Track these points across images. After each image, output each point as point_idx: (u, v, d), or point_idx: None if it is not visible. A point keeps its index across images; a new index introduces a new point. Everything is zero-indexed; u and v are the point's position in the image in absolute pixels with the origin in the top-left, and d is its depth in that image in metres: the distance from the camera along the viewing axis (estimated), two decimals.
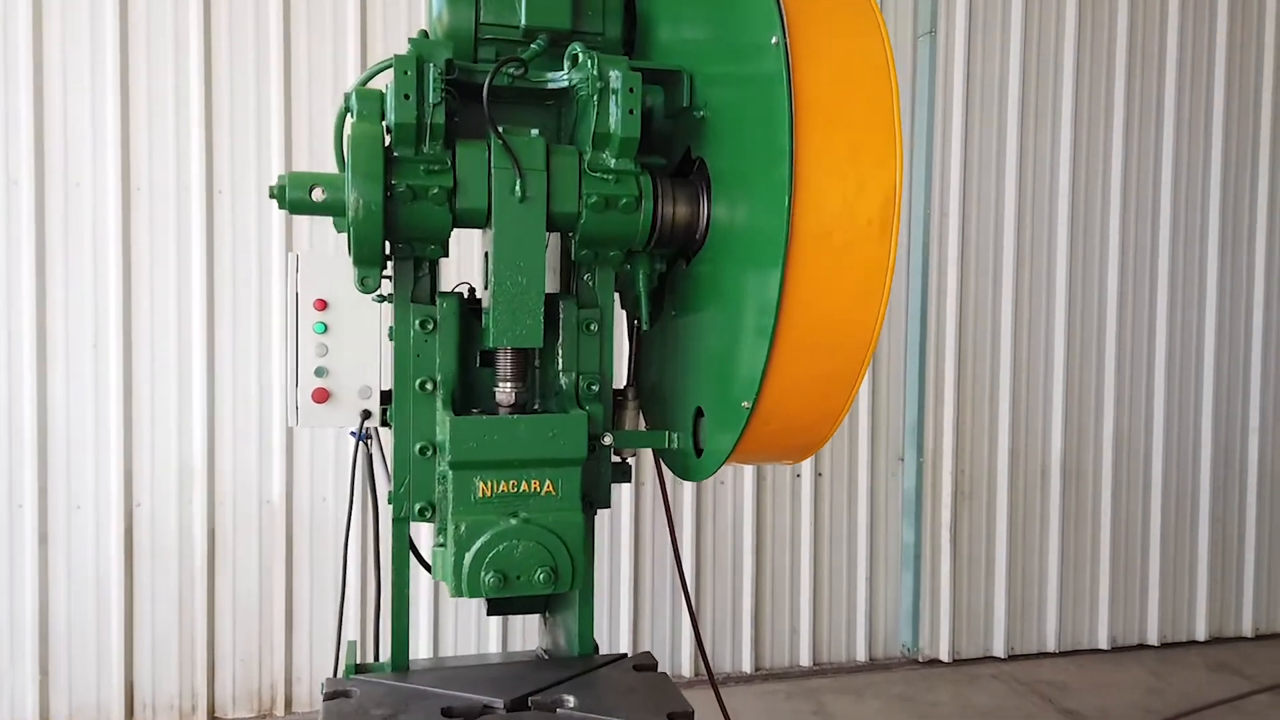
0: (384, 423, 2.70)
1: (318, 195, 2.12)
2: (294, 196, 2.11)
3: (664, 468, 2.86)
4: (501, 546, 2.10)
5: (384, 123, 2.14)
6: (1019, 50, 5.77)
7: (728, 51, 2.17)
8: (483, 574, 2.09)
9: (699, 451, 2.29)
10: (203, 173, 4.84)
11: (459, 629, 5.23)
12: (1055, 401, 5.89)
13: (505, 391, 2.28)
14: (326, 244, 4.93)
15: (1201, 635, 6.11)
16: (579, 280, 2.42)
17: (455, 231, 2.21)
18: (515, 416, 2.18)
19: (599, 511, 2.51)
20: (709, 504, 5.52)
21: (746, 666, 5.56)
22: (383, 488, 2.96)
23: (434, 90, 2.09)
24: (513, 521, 2.12)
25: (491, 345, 2.19)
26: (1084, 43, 5.88)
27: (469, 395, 2.39)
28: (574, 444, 2.17)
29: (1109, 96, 5.93)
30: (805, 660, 5.64)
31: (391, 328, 2.31)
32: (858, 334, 1.90)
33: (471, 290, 2.84)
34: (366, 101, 2.14)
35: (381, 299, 2.36)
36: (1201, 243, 6.10)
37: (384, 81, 2.18)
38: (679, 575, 3.19)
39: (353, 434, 3.04)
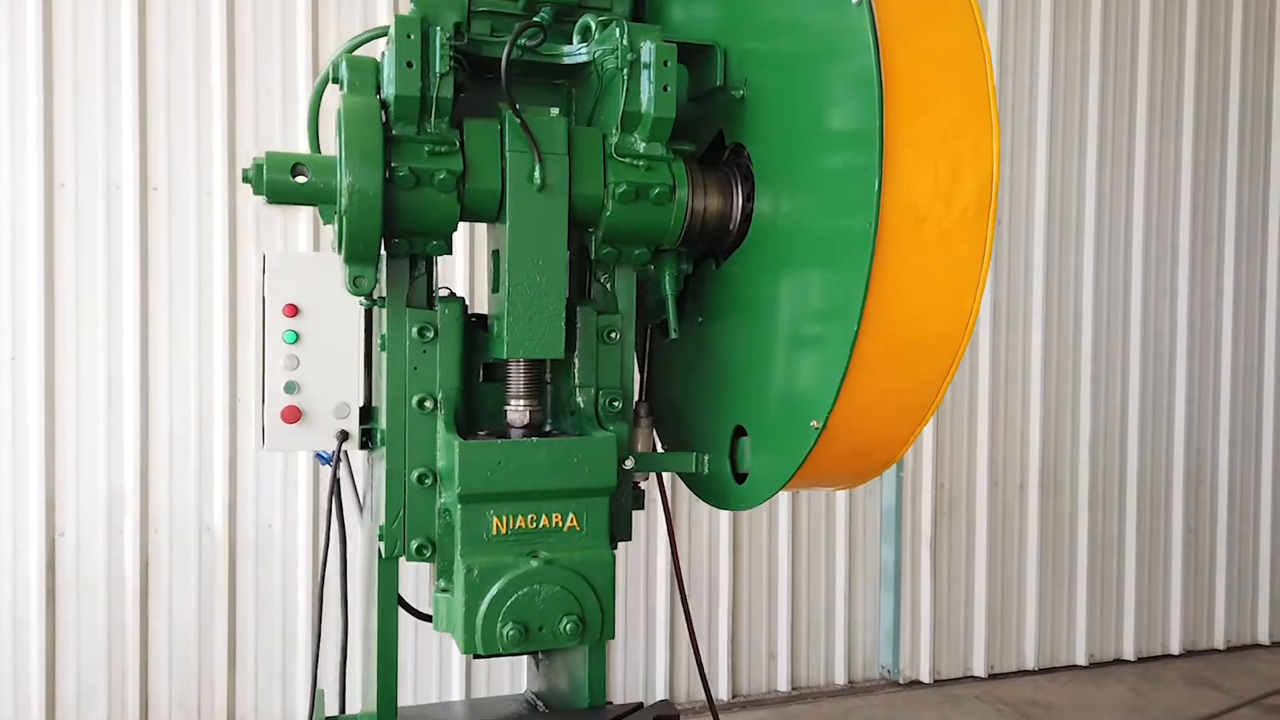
0: (364, 444, 2.38)
1: (302, 179, 1.80)
2: (273, 180, 1.79)
3: (664, 489, 2.60)
4: (521, 593, 1.80)
5: (379, 97, 1.83)
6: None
7: (774, 25, 1.91)
8: (500, 626, 1.79)
9: (739, 476, 2.02)
10: (136, 168, 4.41)
11: (434, 669, 4.86)
12: (1033, 415, 5.77)
13: (518, 410, 1.98)
14: (277, 240, 4.54)
15: (1176, 649, 6.05)
16: (594, 282, 2.13)
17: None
18: (534, 440, 1.88)
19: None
20: (684, 523, 5.25)
21: (723, 694, 5.29)
22: (351, 516, 2.62)
23: (441, 58, 1.79)
24: (533, 563, 1.81)
25: (506, 356, 1.89)
26: (1054, 55, 5.81)
27: (471, 415, 2.08)
28: (603, 471, 1.88)
29: (1083, 117, 5.85)
30: (784, 685, 5.40)
31: (383, 336, 1.99)
32: (946, 340, 1.66)
33: (453, 294, 2.54)
34: (360, 71, 1.84)
35: (371, 303, 2.04)
36: (1173, 260, 6.05)
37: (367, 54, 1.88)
38: (682, 603, 2.91)
39: (319, 457, 2.70)
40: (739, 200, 2.02)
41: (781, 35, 1.86)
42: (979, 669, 5.65)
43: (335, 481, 2.34)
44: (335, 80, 1.88)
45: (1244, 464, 6.26)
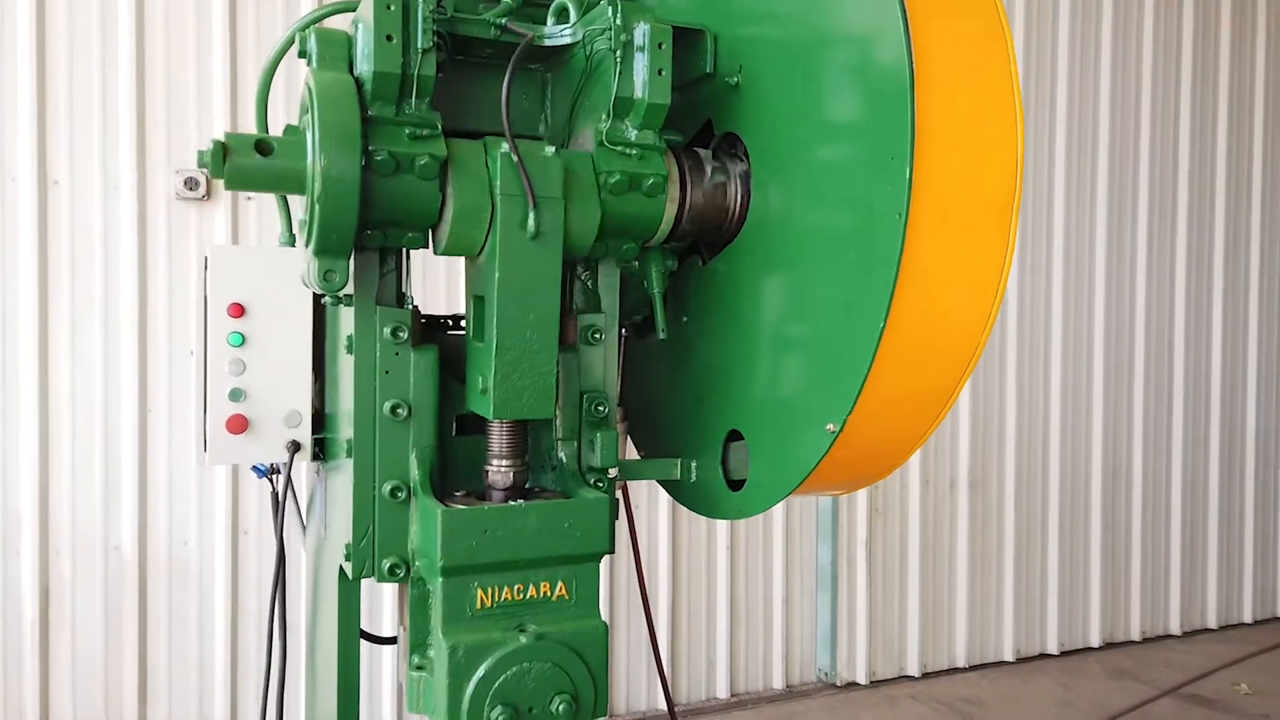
0: (316, 455, 2.20)
1: (267, 156, 1.62)
2: (235, 163, 1.60)
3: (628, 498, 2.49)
4: (510, 673, 1.65)
5: (353, 74, 1.67)
6: None
7: (776, 12, 1.82)
8: (488, 709, 1.64)
9: (735, 484, 1.92)
10: (33, 159, 4.06)
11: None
12: (962, 413, 5.86)
13: (501, 471, 1.83)
14: (190, 238, 4.24)
15: (1096, 642, 6.23)
16: (575, 281, 2.00)
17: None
18: (522, 504, 1.73)
19: None
20: (622, 530, 5.12)
21: (662, 704, 5.18)
22: (292, 533, 2.43)
23: (424, 33, 1.64)
24: (522, 638, 1.67)
25: (493, 417, 1.73)
26: None
27: (444, 471, 1.90)
28: (595, 535, 1.75)
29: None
30: (723, 692, 5.33)
31: (350, 337, 1.82)
32: (966, 337, 1.59)
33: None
34: (331, 45, 1.67)
35: (337, 301, 1.87)
36: (1090, 261, 6.24)
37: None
38: (645, 611, 2.81)
39: (256, 470, 2.50)
40: (732, 193, 1.92)
41: (787, 21, 1.77)
42: (913, 669, 5.70)
43: (284, 498, 2.15)
44: (303, 54, 1.71)
45: (1155, 460, 6.50)
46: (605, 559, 1.89)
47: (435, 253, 1.75)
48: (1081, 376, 6.24)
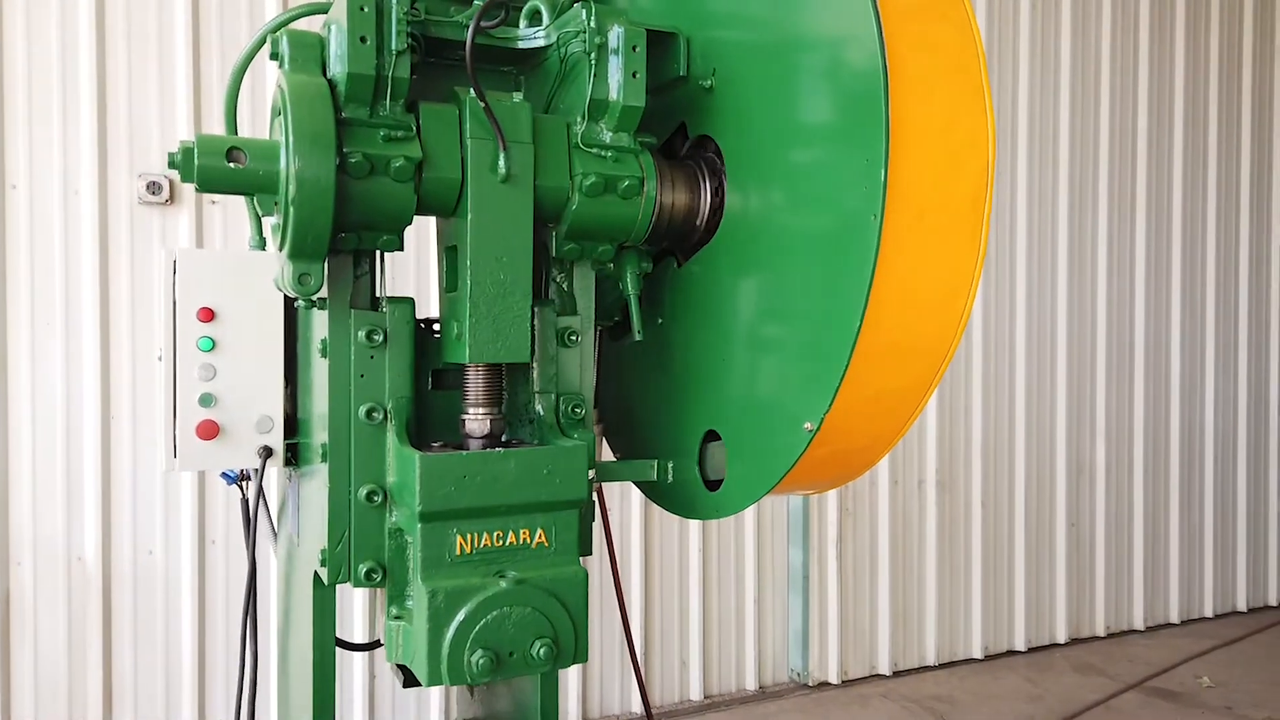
0: (289, 460, 2.17)
1: (237, 165, 1.60)
2: (206, 165, 1.59)
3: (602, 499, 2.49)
4: (490, 617, 1.65)
5: (326, 76, 1.66)
6: None
7: (750, 13, 1.83)
8: (468, 654, 1.64)
9: (712, 484, 1.93)
10: None
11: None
12: (929, 415, 5.93)
13: (478, 419, 1.83)
14: (154, 243, 4.18)
15: (1062, 638, 6.32)
16: (550, 281, 2.00)
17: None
18: (500, 450, 1.73)
19: None
20: (597, 532, 5.11)
21: (636, 707, 5.19)
22: (264, 540, 2.40)
23: (398, 35, 1.63)
24: (502, 583, 1.67)
25: (469, 360, 1.74)
26: None
27: (420, 426, 1.91)
28: (574, 482, 1.75)
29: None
30: (696, 694, 5.34)
31: (324, 341, 1.80)
32: (940, 336, 1.61)
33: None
34: (303, 47, 1.66)
35: (310, 304, 1.85)
36: (1052, 263, 6.34)
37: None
38: (621, 612, 2.81)
39: (225, 477, 2.47)
40: (707, 195, 1.93)
41: (760, 24, 1.78)
42: (884, 667, 5.75)
43: (258, 504, 2.12)
44: (274, 57, 1.69)
45: (1119, 456, 6.61)
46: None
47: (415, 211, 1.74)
48: (1046, 378, 6.33)
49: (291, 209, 1.55)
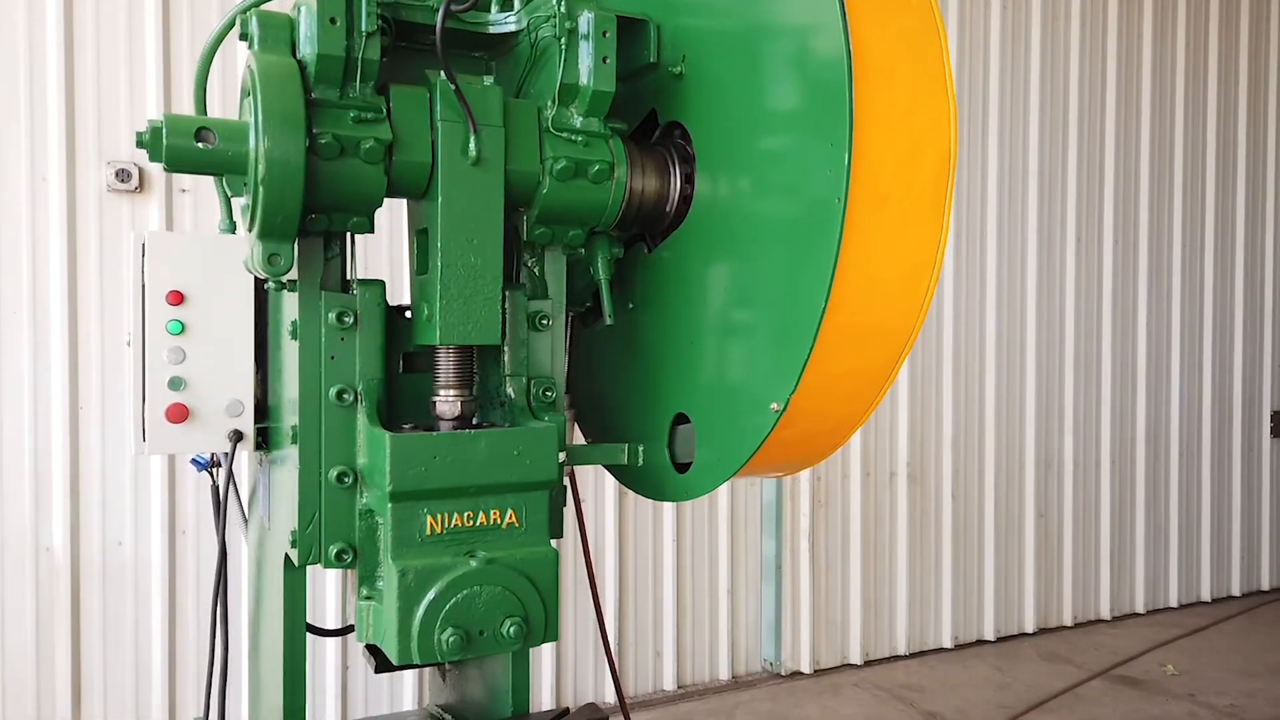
0: (260, 445, 2.17)
1: (207, 145, 1.60)
2: (175, 145, 1.59)
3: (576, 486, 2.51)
4: (461, 595, 1.67)
5: (295, 57, 1.66)
6: None
7: (718, 1, 1.85)
8: (439, 633, 1.65)
9: (680, 466, 1.95)
10: None
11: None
12: (901, 405, 5.99)
13: (449, 401, 1.84)
14: (124, 229, 4.14)
15: (1030, 627, 6.41)
16: (522, 266, 2.01)
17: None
18: (471, 431, 1.75)
19: None
20: (568, 523, 5.13)
21: (610, 695, 5.21)
22: (234, 525, 2.40)
23: (368, 16, 1.64)
24: (472, 563, 1.69)
25: (440, 342, 1.75)
26: None
27: (390, 408, 1.92)
28: (544, 463, 1.77)
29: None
30: (670, 684, 5.37)
31: (294, 323, 1.81)
32: (904, 319, 1.64)
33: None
34: (273, 27, 1.66)
35: (280, 286, 1.85)
36: (1022, 255, 6.42)
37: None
38: (594, 601, 2.83)
39: (195, 463, 2.47)
40: (677, 181, 1.95)
41: (729, 12, 1.80)
42: (855, 657, 5.81)
43: (228, 489, 2.12)
44: (244, 37, 1.69)
45: (1086, 448, 6.71)
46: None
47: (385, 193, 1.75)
48: (1015, 372, 6.42)
49: (261, 189, 1.55)
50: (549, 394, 1.94)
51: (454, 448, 1.70)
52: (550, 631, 1.75)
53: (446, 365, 1.83)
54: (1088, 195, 6.68)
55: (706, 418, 1.86)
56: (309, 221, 1.71)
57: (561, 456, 1.95)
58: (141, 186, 4.18)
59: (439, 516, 1.70)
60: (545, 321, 1.95)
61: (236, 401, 2.11)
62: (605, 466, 2.16)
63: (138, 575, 4.24)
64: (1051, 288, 6.53)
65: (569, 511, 2.36)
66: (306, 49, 1.64)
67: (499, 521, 1.74)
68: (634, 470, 2.08)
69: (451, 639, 1.64)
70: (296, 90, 1.57)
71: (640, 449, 2.06)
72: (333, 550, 1.77)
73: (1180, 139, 7.08)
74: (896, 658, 5.94)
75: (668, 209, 1.97)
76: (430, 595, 1.64)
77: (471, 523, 1.72)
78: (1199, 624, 6.69)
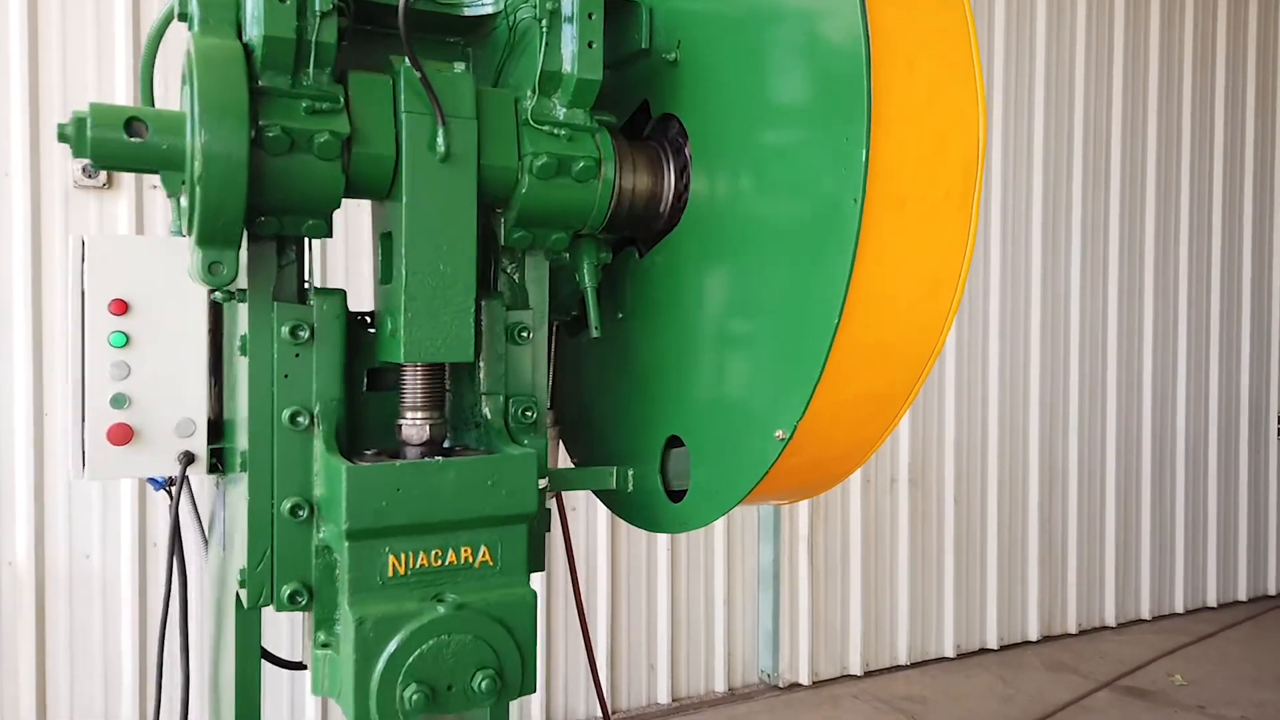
0: (213, 468, 1.99)
1: (139, 138, 1.41)
2: (100, 138, 1.40)
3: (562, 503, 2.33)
4: (426, 647, 1.49)
5: (241, 41, 1.47)
6: None
7: None
8: (401, 689, 1.47)
9: (675, 494, 1.77)
10: None
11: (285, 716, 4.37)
12: None
13: (415, 424, 1.65)
14: (91, 227, 3.94)
15: (1034, 635, 6.25)
16: (500, 273, 1.83)
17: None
18: (439, 460, 1.56)
19: None
20: (558, 531, 4.95)
21: (599, 710, 5.03)
22: (193, 552, 2.22)
23: None
24: (439, 608, 1.50)
25: (404, 360, 1.57)
26: None
27: (353, 431, 1.73)
28: (522, 494, 1.59)
29: None
30: (664, 697, 5.20)
31: (243, 338, 1.62)
32: (924, 335, 1.46)
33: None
34: (215, 7, 1.47)
35: (228, 297, 1.67)
36: (1026, 261, 6.24)
37: None
38: (580, 619, 2.66)
39: (152, 482, 2.28)
40: (671, 179, 1.77)
41: None
42: (855, 667, 5.64)
43: (178, 517, 1.94)
44: (183, 17, 1.50)
45: (1091, 451, 6.54)
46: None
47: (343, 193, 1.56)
48: (1019, 375, 6.25)
49: (198, 189, 1.37)
50: (529, 414, 1.76)
51: (419, 479, 1.51)
52: (528, 684, 1.57)
53: (413, 385, 1.65)
54: (1092, 198, 6.50)
55: (703, 441, 1.67)
56: (257, 225, 1.53)
57: (543, 483, 1.78)
58: (110, 182, 3.98)
59: (403, 556, 1.51)
60: (525, 334, 1.77)
61: (187, 420, 1.93)
62: (594, 492, 1.98)
63: (106, 588, 4.05)
64: (1055, 289, 6.36)
65: (556, 537, 2.19)
66: (253, 30, 1.45)
67: (471, 560, 1.56)
68: (623, 497, 1.90)
69: (415, 696, 1.46)
70: (239, 76, 1.39)
71: (630, 473, 1.88)
72: (286, 591, 1.59)
73: (1187, 143, 6.91)
74: (898, 668, 5.78)
75: (661, 210, 1.79)
76: (391, 647, 1.46)
77: (440, 562, 1.54)
78: (1206, 630, 6.54)
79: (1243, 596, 7.24)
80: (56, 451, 3.93)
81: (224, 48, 1.41)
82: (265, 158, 1.43)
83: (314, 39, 1.45)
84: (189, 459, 1.93)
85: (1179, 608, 6.92)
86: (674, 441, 1.77)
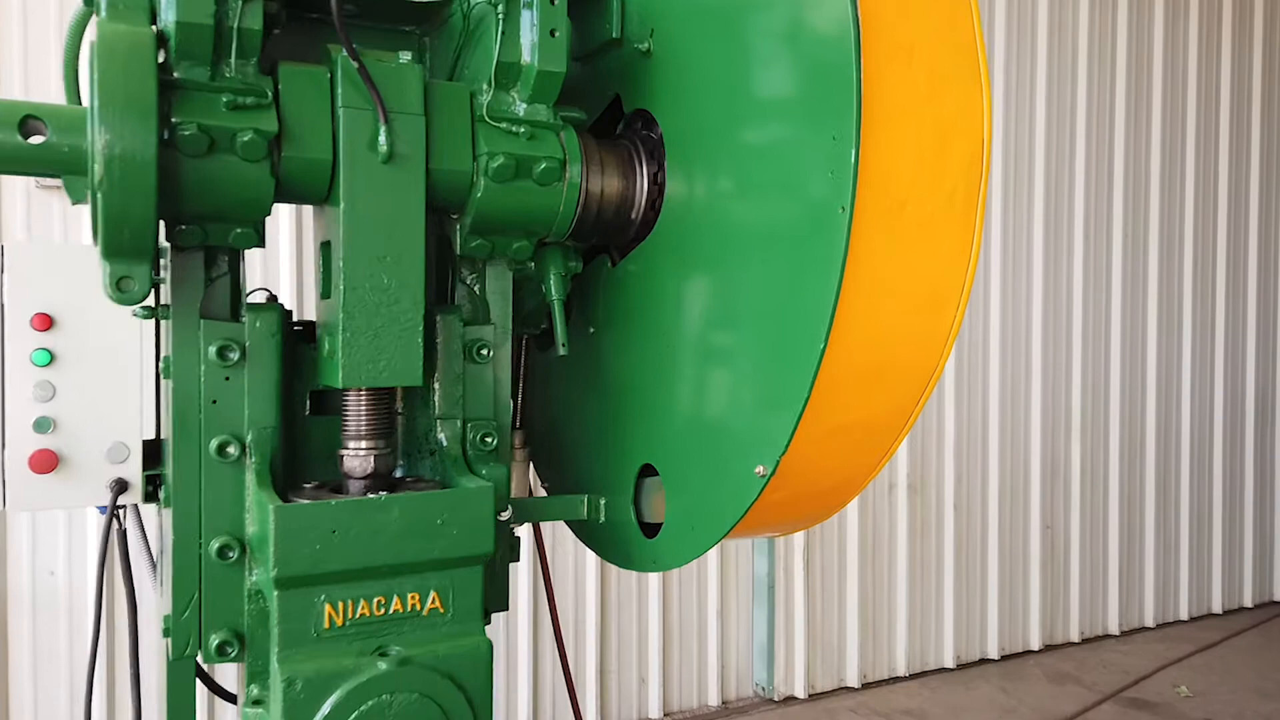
0: (149, 497, 1.83)
1: (37, 137, 1.25)
2: None
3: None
4: (365, 707, 1.33)
5: (156, 27, 1.31)
6: None
7: None
8: None
9: (649, 528, 1.61)
10: None
11: None
12: None
13: (359, 456, 1.49)
14: (54, 233, 3.79)
15: (1036, 644, 6.09)
16: (459, 284, 1.67)
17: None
18: (381, 496, 1.40)
19: None
20: (547, 538, 4.79)
21: None
22: (145, 586, 2.06)
23: None
24: (381, 664, 1.35)
25: (342, 384, 1.41)
26: None
27: (295, 459, 1.57)
28: (476, 532, 1.43)
29: None
30: (655, 711, 5.04)
31: (167, 358, 1.46)
32: (923, 356, 1.31)
33: (273, 299, 2.02)
34: None
35: (148, 313, 1.51)
36: (1027, 262, 6.08)
37: None
38: (556, 637, 2.49)
39: (100, 508, 2.11)
40: (644, 181, 1.61)
41: None
42: (852, 679, 5.49)
43: (105, 550, 1.78)
44: (88, 2, 1.35)
45: (1094, 453, 6.38)
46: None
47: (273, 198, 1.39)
48: (1020, 375, 6.09)
49: (100, 195, 1.20)
50: (489, 440, 1.60)
51: (358, 518, 1.35)
52: None
53: (356, 411, 1.49)
54: (1095, 194, 6.34)
55: (679, 472, 1.52)
56: (178, 235, 1.37)
57: (505, 514, 1.62)
58: None
59: (340, 605, 1.35)
60: (486, 352, 1.61)
61: (120, 445, 1.77)
62: (565, 522, 1.82)
63: (72, 605, 3.89)
64: (1058, 287, 6.20)
65: (529, 567, 2.02)
66: (168, 16, 1.29)
67: (418, 607, 1.40)
68: (595, 528, 1.74)
69: None
70: (147, 67, 1.22)
71: (602, 503, 1.72)
72: (214, 641, 1.44)
73: (1191, 139, 6.74)
74: (896, 679, 5.62)
75: (634, 215, 1.63)
76: (325, 709, 1.31)
77: (383, 611, 1.38)
78: (1211, 638, 6.38)
79: (1248, 602, 7.09)
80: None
81: (130, 35, 1.24)
82: (180, 159, 1.28)
83: (236, 25, 1.29)
84: (121, 487, 1.77)
85: (1183, 614, 6.77)
86: (648, 470, 1.61)
